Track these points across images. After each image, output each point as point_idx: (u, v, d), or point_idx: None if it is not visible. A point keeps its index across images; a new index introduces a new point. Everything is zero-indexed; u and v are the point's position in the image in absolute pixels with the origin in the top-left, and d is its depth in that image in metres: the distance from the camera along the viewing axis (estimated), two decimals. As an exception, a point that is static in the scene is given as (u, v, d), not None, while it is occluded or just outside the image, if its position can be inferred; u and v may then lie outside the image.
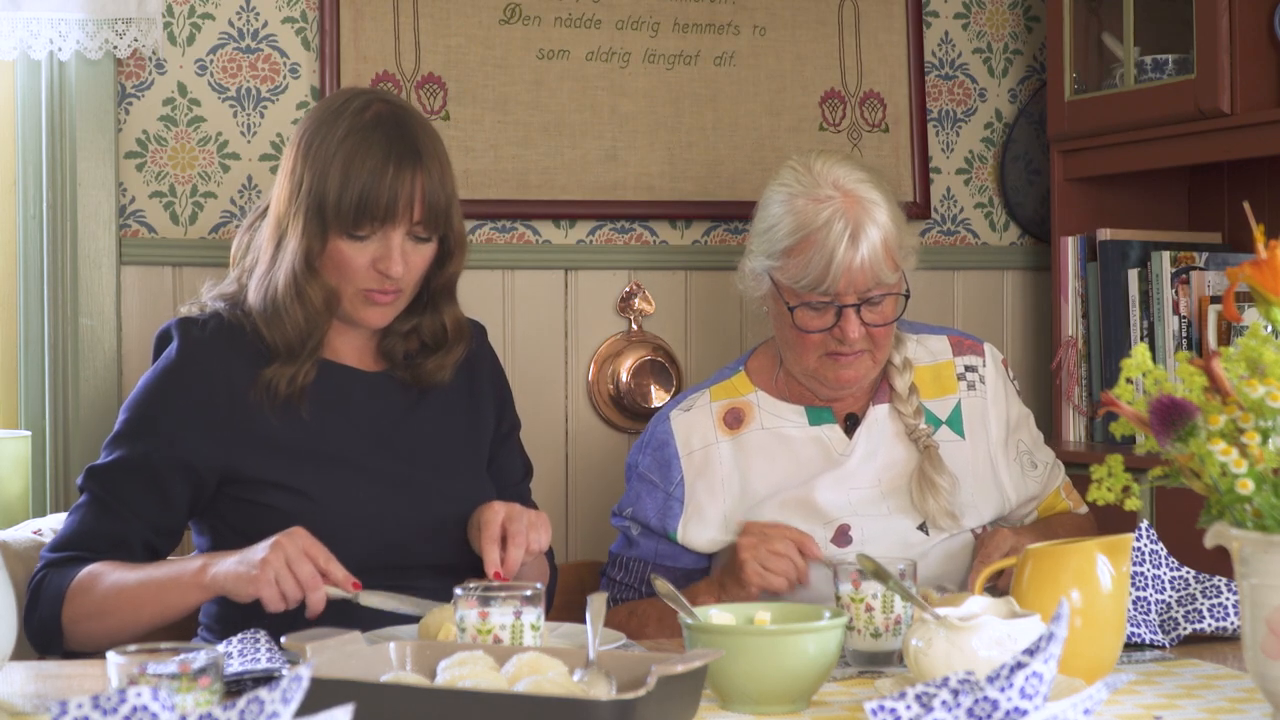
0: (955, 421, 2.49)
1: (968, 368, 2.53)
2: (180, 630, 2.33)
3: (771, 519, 2.41)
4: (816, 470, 2.46)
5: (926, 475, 2.42)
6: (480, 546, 2.17)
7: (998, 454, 2.50)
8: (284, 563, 2.04)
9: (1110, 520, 2.52)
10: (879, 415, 2.49)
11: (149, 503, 2.23)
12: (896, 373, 2.49)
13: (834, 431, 2.48)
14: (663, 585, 1.84)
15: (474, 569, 2.26)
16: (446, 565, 2.27)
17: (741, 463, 2.48)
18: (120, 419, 2.28)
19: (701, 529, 2.46)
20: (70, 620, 2.17)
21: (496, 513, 2.18)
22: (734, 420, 2.50)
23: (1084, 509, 2.57)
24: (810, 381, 2.48)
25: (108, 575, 2.17)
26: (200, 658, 1.46)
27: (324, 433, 2.29)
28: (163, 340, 2.33)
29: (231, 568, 2.07)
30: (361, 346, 2.37)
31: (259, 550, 2.06)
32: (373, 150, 2.23)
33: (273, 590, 2.04)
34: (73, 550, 2.22)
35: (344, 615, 2.09)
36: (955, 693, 1.41)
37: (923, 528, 2.42)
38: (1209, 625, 2.08)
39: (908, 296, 2.46)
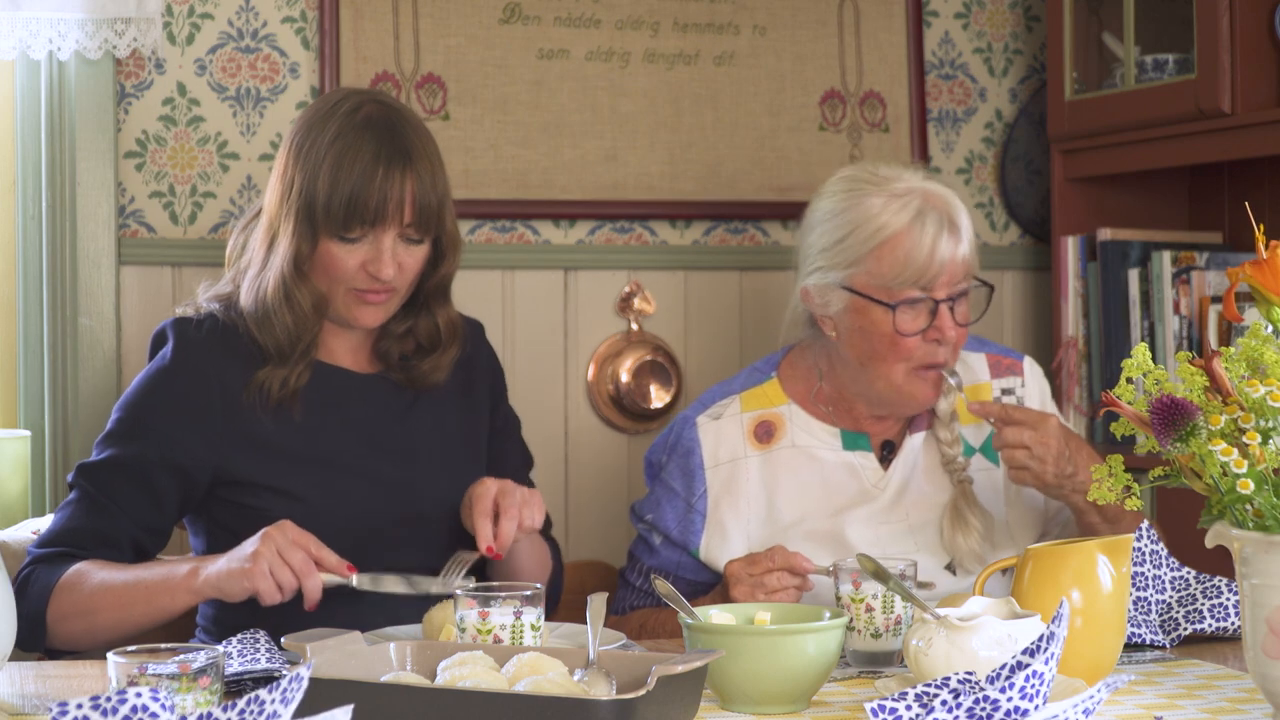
0: (988, 449, 2.44)
1: (1005, 390, 2.47)
2: (179, 630, 2.33)
3: (797, 549, 2.28)
4: (847, 501, 2.39)
5: (960, 513, 2.36)
6: (472, 522, 2.16)
7: None
8: (275, 553, 2.03)
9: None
10: (915, 445, 2.42)
11: (139, 502, 2.23)
12: (941, 395, 2.41)
13: (869, 460, 2.42)
14: (663, 585, 1.83)
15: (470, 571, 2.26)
16: (441, 567, 2.26)
17: (769, 481, 2.41)
18: (113, 418, 2.28)
19: (724, 548, 2.39)
20: (55, 618, 2.15)
21: (488, 488, 2.17)
22: (765, 434, 2.43)
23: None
24: (891, 399, 2.39)
25: (95, 574, 2.16)
26: (200, 658, 1.46)
27: (317, 435, 2.28)
28: (158, 340, 2.32)
29: (223, 566, 2.06)
30: (356, 348, 2.37)
31: (248, 545, 2.06)
32: (362, 152, 2.22)
33: (268, 582, 2.03)
34: (61, 546, 2.21)
35: (344, 608, 2.09)
36: (955, 693, 1.41)
37: (950, 567, 2.37)
38: (1209, 625, 2.08)
39: (992, 289, 2.41)
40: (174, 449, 2.23)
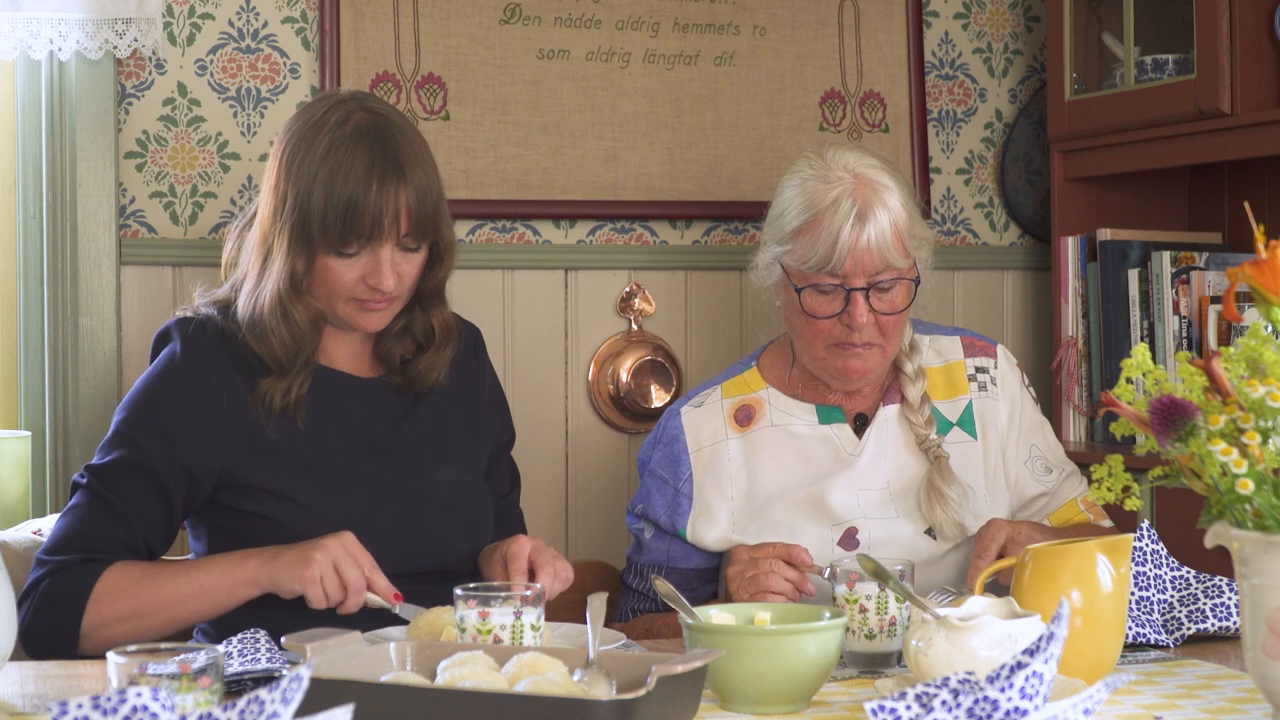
0: (966, 422, 2.48)
1: (979, 369, 2.51)
2: (179, 630, 2.33)
3: (781, 518, 2.40)
4: (826, 470, 2.44)
5: (935, 486, 2.39)
6: (508, 579, 2.17)
7: (1010, 454, 2.49)
8: (331, 565, 2.06)
9: (1110, 520, 2.52)
10: (889, 416, 2.47)
11: (150, 503, 2.21)
12: (909, 382, 2.47)
13: (843, 430, 2.47)
14: (663, 585, 1.83)
15: (471, 576, 2.27)
16: (442, 572, 2.26)
17: (750, 460, 2.46)
18: (118, 419, 2.26)
19: (710, 527, 2.44)
20: (96, 624, 2.13)
21: (523, 545, 2.19)
22: (744, 418, 2.49)
23: (1107, 522, 2.52)
24: (821, 372, 2.46)
25: (139, 577, 2.15)
26: (200, 658, 1.46)
27: (319, 440, 2.28)
28: (161, 340, 2.31)
29: (286, 566, 2.09)
30: (357, 352, 2.36)
31: (308, 547, 2.08)
32: (355, 166, 2.19)
33: (317, 589, 2.07)
34: (75, 553, 2.17)
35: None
36: (955, 693, 1.41)
37: (930, 532, 2.40)
38: (1212, 625, 2.08)
39: (917, 283, 2.43)
40: (180, 451, 2.22)
